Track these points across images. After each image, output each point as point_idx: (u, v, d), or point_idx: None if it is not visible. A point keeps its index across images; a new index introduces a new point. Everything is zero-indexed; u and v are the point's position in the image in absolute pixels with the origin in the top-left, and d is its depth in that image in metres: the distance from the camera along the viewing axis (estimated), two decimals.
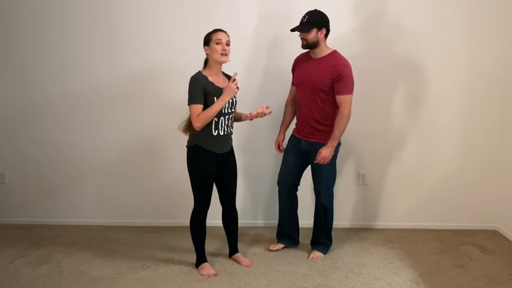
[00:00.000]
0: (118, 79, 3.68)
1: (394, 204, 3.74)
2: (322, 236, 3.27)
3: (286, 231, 3.39)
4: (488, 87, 3.56)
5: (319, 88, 3.00)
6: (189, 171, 2.93)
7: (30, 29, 3.68)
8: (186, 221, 3.79)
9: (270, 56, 3.60)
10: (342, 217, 3.77)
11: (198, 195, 2.95)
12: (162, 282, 2.87)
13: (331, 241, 3.33)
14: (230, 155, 3.03)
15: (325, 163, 3.04)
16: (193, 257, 3.17)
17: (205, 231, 3.04)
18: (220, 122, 2.85)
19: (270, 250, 3.34)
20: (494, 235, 3.61)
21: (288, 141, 3.30)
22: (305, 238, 3.42)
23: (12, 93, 3.78)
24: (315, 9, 3.04)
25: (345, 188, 3.75)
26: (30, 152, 3.84)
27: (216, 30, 2.87)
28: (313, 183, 3.22)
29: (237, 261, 3.16)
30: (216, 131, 2.86)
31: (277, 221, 3.41)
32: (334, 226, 3.75)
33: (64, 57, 3.69)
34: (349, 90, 2.97)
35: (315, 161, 3.06)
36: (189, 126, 2.91)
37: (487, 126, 3.61)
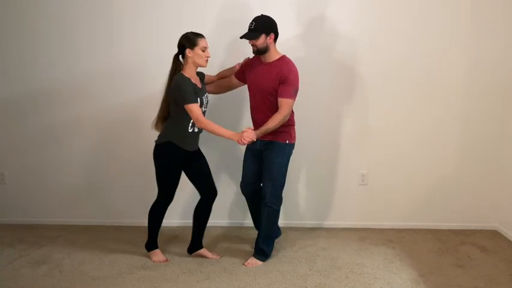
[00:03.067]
0: (117, 76, 3.68)
1: (394, 204, 3.74)
2: (261, 240, 3.11)
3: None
4: (488, 87, 3.56)
5: (269, 92, 3.00)
6: (157, 166, 3.03)
7: (28, 25, 3.68)
8: (186, 221, 3.80)
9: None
10: (342, 217, 3.77)
11: (164, 190, 3.06)
12: (162, 282, 2.87)
13: (271, 248, 3.16)
14: (199, 154, 3.13)
15: (244, 142, 2.81)
16: (193, 258, 3.17)
17: (161, 221, 3.17)
18: None
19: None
20: (494, 235, 3.61)
21: (246, 147, 3.21)
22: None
23: (12, 92, 3.77)
24: (262, 15, 3.00)
25: (345, 188, 3.75)
26: (31, 152, 3.84)
27: (199, 36, 2.91)
28: (262, 184, 3.13)
29: (204, 256, 3.18)
30: (192, 128, 2.95)
31: None
32: (333, 226, 3.77)
33: (64, 55, 3.68)
34: (290, 94, 2.95)
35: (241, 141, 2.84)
36: (162, 122, 3.01)
37: (487, 126, 3.61)
